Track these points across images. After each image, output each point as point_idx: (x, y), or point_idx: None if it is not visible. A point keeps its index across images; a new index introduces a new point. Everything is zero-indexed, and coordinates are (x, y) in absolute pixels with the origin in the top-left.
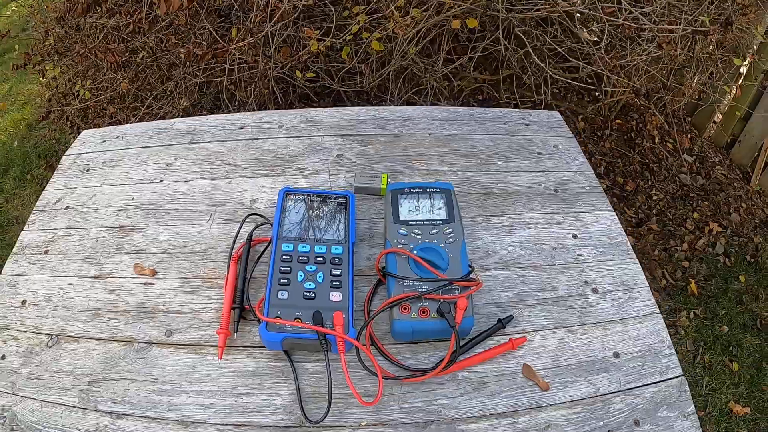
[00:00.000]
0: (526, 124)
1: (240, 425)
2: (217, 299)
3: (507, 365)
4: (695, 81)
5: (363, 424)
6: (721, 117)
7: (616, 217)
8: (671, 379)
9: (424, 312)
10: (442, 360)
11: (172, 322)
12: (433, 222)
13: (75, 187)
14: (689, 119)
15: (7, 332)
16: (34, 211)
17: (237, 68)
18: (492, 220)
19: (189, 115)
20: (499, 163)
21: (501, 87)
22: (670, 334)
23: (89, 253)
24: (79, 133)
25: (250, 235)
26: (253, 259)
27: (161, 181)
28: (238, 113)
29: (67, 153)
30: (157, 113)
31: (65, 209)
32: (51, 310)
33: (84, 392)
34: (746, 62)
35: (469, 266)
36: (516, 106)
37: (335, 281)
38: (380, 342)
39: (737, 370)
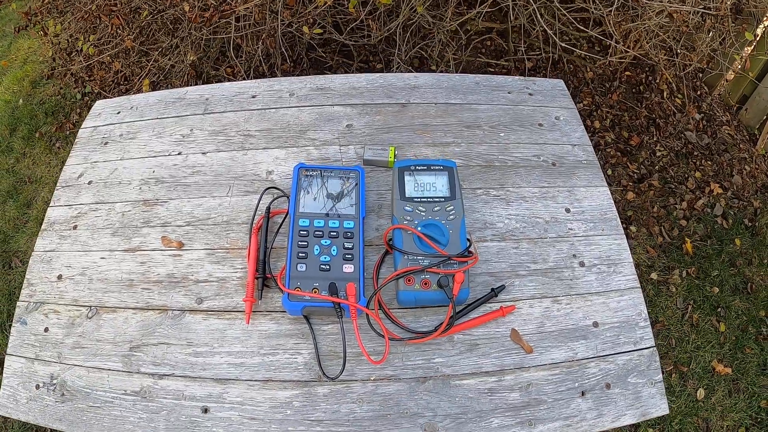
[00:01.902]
0: (530, 94)
1: (267, 380)
2: (241, 268)
3: (497, 329)
4: (706, 43)
5: (372, 378)
6: (732, 76)
7: (609, 192)
8: (643, 349)
9: (425, 284)
10: (441, 324)
11: (201, 290)
12: (436, 199)
13: (95, 162)
14: (700, 74)
15: (47, 306)
16: (58, 187)
17: (243, 25)
18: (491, 192)
19: (196, 69)
20: (501, 134)
21: (510, 37)
22: (662, 291)
23: (117, 227)
24: (84, 87)
25: (268, 208)
26: (272, 231)
27: (179, 154)
28: (249, 80)
29: (83, 126)
30: (163, 68)
31: (88, 184)
32: (87, 283)
33: (126, 357)
34: (762, 26)
35: (468, 239)
36: (522, 62)
37: (347, 254)
38: (387, 307)
39: (723, 330)
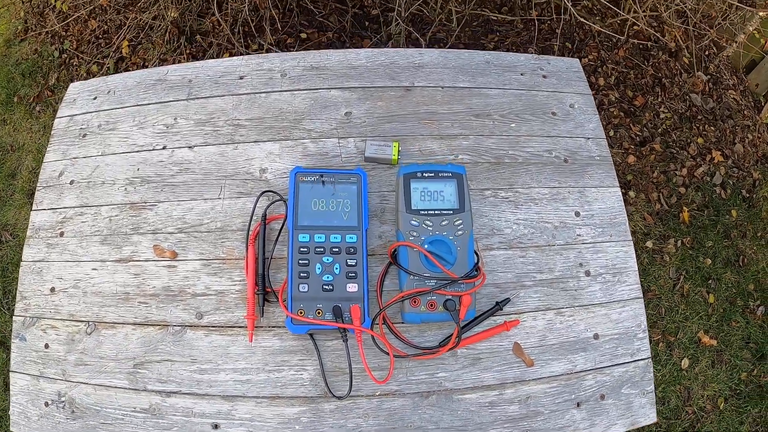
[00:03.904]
0: (544, 76)
1: (275, 397)
2: (240, 281)
3: (500, 343)
4: (723, 14)
5: (377, 393)
6: (743, 38)
7: (620, 193)
8: (639, 360)
9: (431, 305)
10: (445, 339)
11: (200, 304)
12: (444, 212)
13: (75, 158)
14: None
15: (44, 321)
16: (38, 188)
17: None
18: (500, 194)
19: (178, 26)
20: (512, 125)
21: None
22: (656, 260)
23: (106, 234)
24: (62, 44)
25: (264, 215)
26: (270, 239)
27: (164, 148)
28: (235, 57)
29: (58, 115)
30: (143, 27)
31: (70, 184)
32: (81, 296)
33: (132, 374)
34: None
35: (475, 252)
36: (528, 12)
37: (351, 272)
38: (392, 322)
39: (712, 302)
